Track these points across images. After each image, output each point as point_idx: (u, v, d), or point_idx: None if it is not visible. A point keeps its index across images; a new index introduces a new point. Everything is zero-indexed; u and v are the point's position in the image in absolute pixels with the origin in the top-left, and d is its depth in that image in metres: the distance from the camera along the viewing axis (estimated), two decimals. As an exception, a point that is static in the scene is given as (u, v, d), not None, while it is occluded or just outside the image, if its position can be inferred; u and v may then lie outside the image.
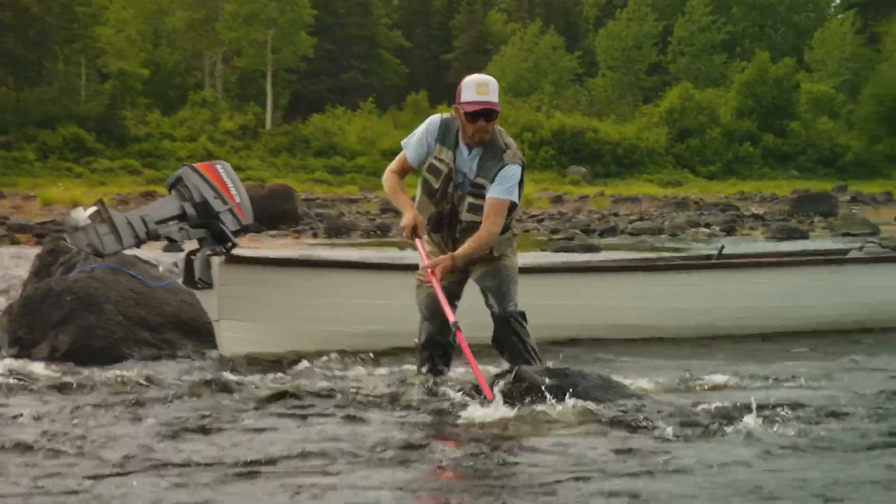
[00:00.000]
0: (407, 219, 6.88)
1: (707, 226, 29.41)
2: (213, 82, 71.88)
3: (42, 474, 5.01)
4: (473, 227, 6.83)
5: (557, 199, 44.31)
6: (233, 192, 8.40)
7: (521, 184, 6.92)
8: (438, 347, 7.14)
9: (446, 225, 6.97)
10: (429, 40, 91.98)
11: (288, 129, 65.17)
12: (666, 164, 68.43)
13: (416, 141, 6.98)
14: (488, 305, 7.04)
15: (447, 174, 6.84)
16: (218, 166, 8.60)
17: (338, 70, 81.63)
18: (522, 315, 7.06)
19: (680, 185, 60.59)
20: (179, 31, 71.05)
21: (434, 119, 7.01)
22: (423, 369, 7.21)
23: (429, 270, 6.71)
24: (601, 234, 26.92)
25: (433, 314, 6.99)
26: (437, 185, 6.87)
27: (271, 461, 5.24)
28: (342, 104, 72.94)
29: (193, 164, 8.64)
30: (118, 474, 5.02)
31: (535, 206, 39.66)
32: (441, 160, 6.86)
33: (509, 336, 7.02)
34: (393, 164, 7.11)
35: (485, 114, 6.69)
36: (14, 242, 21.84)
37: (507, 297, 6.99)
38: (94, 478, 4.96)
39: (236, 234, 8.43)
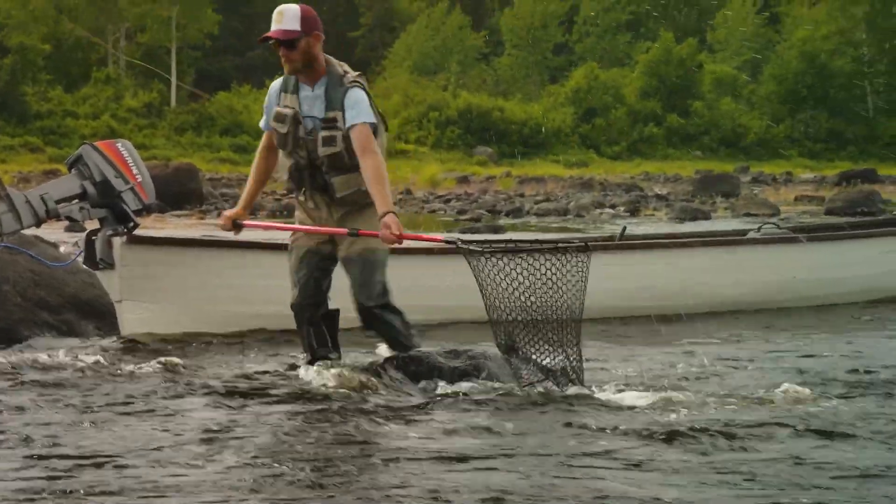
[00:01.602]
0: (229, 211, 7.02)
1: (612, 207, 29.69)
2: (117, 59, 70.83)
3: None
4: (335, 163, 6.67)
5: (464, 180, 44.38)
6: (134, 170, 8.31)
7: (373, 107, 6.73)
8: (306, 313, 6.88)
9: (306, 177, 6.82)
10: (335, 17, 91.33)
11: (193, 108, 64.48)
12: (572, 144, 68.78)
13: (264, 110, 6.93)
14: (351, 292, 6.79)
15: (293, 116, 6.72)
16: (119, 144, 8.51)
17: (244, 47, 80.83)
18: (386, 302, 6.79)
19: (585, 166, 60.96)
20: (81, 5, 69.79)
21: (275, 82, 6.96)
22: (310, 342, 6.95)
23: (394, 239, 6.38)
24: (507, 215, 27.10)
25: (305, 281, 6.84)
26: (284, 130, 6.74)
27: (166, 445, 5.22)
28: (248, 82, 72.27)
29: (94, 143, 8.55)
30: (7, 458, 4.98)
31: (441, 187, 39.71)
32: (286, 106, 6.77)
33: (376, 325, 6.86)
34: (261, 142, 7.07)
35: (283, 42, 6.62)
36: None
37: (370, 287, 6.73)
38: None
39: (138, 213, 8.35)
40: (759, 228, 11.57)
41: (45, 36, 65.99)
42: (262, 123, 7.01)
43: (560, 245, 6.55)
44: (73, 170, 8.37)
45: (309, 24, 6.72)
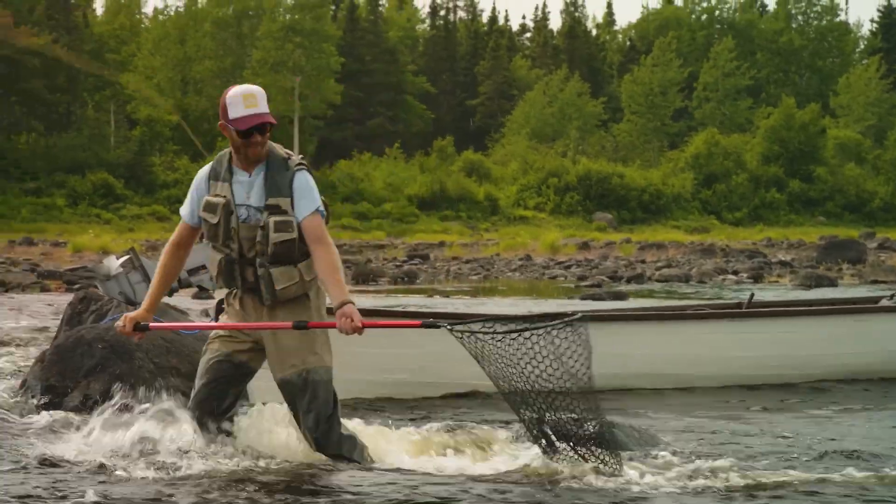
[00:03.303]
0: (132, 313, 6.24)
1: (735, 273, 29.34)
2: (241, 129, 72.15)
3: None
4: (282, 252, 6.01)
5: (584, 246, 44.31)
6: (263, 240, 8.42)
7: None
8: (204, 411, 6.41)
9: (238, 272, 6.12)
10: (454, 86, 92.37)
11: (315, 176, 65.26)
12: (692, 209, 68.39)
13: (188, 197, 6.25)
14: (294, 417, 6.33)
15: (224, 204, 6.03)
16: (248, 215, 8.63)
17: (364, 116, 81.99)
18: (331, 427, 6.23)
19: (706, 232, 60.50)
20: (206, 77, 71.50)
21: (202, 169, 6.28)
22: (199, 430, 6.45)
23: (355, 329, 5.81)
24: (628, 281, 26.92)
25: (206, 383, 6.34)
26: (214, 220, 6.05)
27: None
28: (369, 150, 73.27)
29: (224, 213, 8.68)
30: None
31: (561, 253, 39.65)
32: (217, 195, 6.08)
33: (327, 451, 6.26)
34: (173, 235, 6.34)
35: (259, 128, 6.02)
36: (44, 290, 21.95)
37: (316, 413, 6.21)
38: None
39: (267, 282, 8.44)
40: (892, 296, 11.32)
41: (171, 108, 67.70)
42: (182, 211, 6.28)
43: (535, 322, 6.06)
44: (203, 240, 8.51)
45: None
